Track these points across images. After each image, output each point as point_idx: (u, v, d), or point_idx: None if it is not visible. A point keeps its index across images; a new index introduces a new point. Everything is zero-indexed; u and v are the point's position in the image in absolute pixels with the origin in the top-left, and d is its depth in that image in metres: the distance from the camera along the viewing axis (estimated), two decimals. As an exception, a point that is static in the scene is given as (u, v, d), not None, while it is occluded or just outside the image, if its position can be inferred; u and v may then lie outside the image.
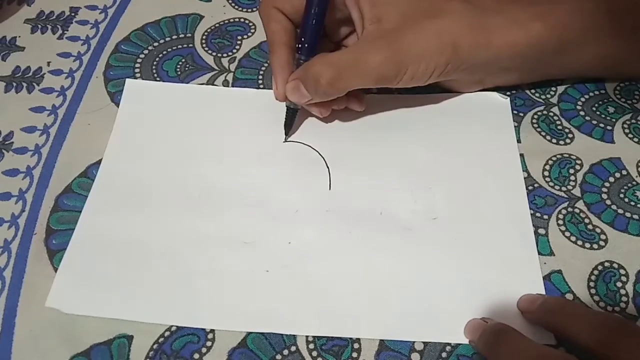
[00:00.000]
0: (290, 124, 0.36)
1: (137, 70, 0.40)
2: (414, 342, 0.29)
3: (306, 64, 0.33)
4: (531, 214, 0.33)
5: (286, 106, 0.35)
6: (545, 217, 0.33)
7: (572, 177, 0.34)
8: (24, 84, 0.39)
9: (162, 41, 0.42)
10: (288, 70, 0.33)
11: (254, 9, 0.44)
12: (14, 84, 0.39)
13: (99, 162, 0.35)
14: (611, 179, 0.34)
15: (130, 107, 0.38)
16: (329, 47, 0.36)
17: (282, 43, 0.34)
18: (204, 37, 0.42)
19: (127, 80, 0.39)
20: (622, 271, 0.31)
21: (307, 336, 0.29)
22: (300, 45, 0.33)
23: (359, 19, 0.33)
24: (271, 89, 0.38)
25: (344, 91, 0.32)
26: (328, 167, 0.35)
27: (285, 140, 0.36)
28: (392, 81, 0.32)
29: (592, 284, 0.31)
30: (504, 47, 0.33)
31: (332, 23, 0.35)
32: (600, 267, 0.31)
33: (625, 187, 0.34)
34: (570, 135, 0.36)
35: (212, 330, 0.30)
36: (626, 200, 0.33)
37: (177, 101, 0.38)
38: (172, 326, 0.30)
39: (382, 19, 0.32)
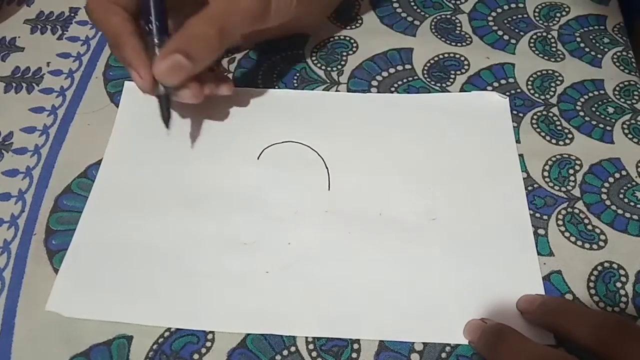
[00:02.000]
0: (169, 112, 0.33)
1: (136, 70, 0.40)
2: (413, 342, 0.29)
3: (181, 33, 0.31)
4: (531, 215, 0.33)
5: (157, 95, 0.33)
6: (545, 217, 0.33)
7: (572, 178, 0.34)
8: (24, 85, 0.39)
9: (161, 41, 0.42)
10: (146, 56, 0.31)
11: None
12: (14, 85, 0.39)
13: (98, 163, 0.35)
14: (611, 180, 0.34)
15: (129, 109, 0.38)
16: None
17: (129, 33, 0.32)
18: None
19: (126, 83, 0.39)
20: (621, 271, 0.31)
21: (306, 337, 0.29)
22: (150, 27, 0.31)
23: None
24: (271, 88, 0.39)
25: (231, 43, 0.32)
26: (327, 168, 0.35)
27: (168, 127, 0.34)
28: (264, 18, 0.33)
29: (591, 284, 0.31)
30: None
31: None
32: (599, 268, 0.31)
33: (624, 188, 0.34)
34: (569, 136, 0.36)
35: (212, 331, 0.30)
36: (626, 200, 0.33)
37: (177, 102, 0.38)
38: (171, 327, 0.30)
39: None
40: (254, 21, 0.32)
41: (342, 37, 0.41)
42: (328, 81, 0.39)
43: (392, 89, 0.39)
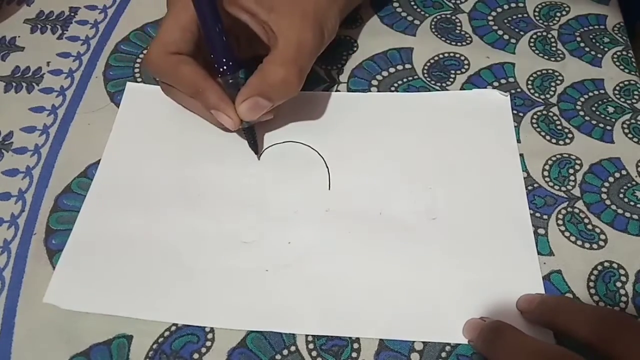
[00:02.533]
0: (255, 141, 0.35)
1: (136, 70, 0.40)
2: (413, 342, 0.29)
3: (259, 75, 0.32)
4: (531, 214, 0.33)
5: (243, 128, 0.34)
6: (545, 217, 0.33)
7: (572, 177, 0.34)
8: (24, 84, 0.39)
9: (161, 41, 0.42)
10: (227, 98, 0.33)
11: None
12: (14, 84, 0.39)
13: (98, 162, 0.35)
14: (611, 179, 0.34)
15: (130, 110, 0.38)
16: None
17: (205, 78, 0.33)
18: (204, 37, 0.42)
19: (128, 84, 0.39)
20: (621, 271, 0.31)
21: (306, 336, 0.29)
22: (224, 67, 0.32)
23: (251, 19, 0.33)
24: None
25: (302, 82, 0.33)
26: (327, 167, 0.35)
27: (259, 158, 0.35)
28: (322, 48, 0.35)
29: (591, 284, 0.31)
30: None
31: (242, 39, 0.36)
32: (599, 267, 0.31)
33: (624, 187, 0.34)
34: (569, 135, 0.36)
35: (212, 330, 0.30)
36: (626, 200, 0.33)
37: (177, 104, 0.38)
38: (171, 326, 0.30)
39: (273, 6, 0.33)
40: (317, 54, 0.34)
41: (342, 37, 0.41)
42: (328, 80, 0.39)
43: (392, 88, 0.39)
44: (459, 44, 0.41)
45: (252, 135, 0.35)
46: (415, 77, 0.39)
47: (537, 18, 0.42)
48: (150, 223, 0.33)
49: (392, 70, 0.40)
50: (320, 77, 0.39)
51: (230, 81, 0.33)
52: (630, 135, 0.36)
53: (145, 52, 0.36)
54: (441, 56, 0.40)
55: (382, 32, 0.42)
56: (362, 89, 0.39)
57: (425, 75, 0.39)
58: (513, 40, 0.41)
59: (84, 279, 0.31)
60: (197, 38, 0.33)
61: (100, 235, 0.32)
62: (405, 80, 0.39)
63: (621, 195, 0.34)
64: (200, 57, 0.33)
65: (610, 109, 0.37)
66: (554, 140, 0.36)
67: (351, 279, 0.31)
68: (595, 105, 0.37)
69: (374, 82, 0.39)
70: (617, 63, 0.39)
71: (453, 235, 0.32)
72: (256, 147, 0.35)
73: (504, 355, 0.26)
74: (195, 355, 0.29)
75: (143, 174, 0.35)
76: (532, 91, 0.38)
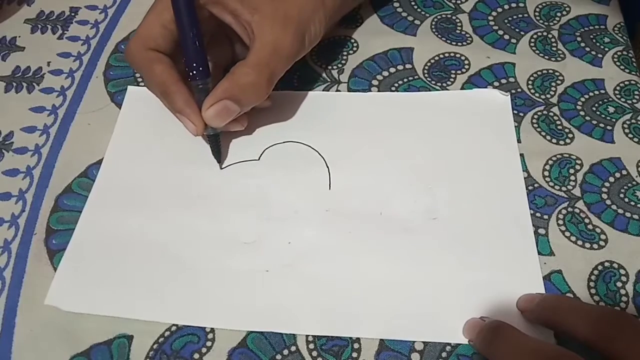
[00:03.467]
0: (219, 149, 0.34)
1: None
2: (414, 342, 0.29)
3: (229, 78, 0.32)
4: (531, 214, 0.33)
5: (207, 135, 0.34)
6: (545, 217, 0.33)
7: (572, 177, 0.34)
8: (24, 84, 0.39)
9: (162, 41, 0.42)
10: (194, 102, 0.32)
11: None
12: (14, 84, 0.40)
13: (99, 162, 0.35)
14: (611, 179, 0.34)
15: (131, 113, 0.38)
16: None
17: (175, 81, 0.32)
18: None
19: (129, 88, 0.39)
20: (622, 271, 0.31)
21: (307, 336, 0.29)
22: (193, 72, 0.32)
23: (234, 20, 0.33)
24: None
25: (273, 83, 0.33)
26: (328, 167, 0.35)
27: (222, 168, 0.35)
28: (300, 54, 0.34)
29: (592, 284, 0.31)
30: None
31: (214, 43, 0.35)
32: (600, 267, 0.31)
33: (625, 187, 0.34)
34: (570, 135, 0.36)
35: (212, 330, 0.30)
36: (626, 200, 0.33)
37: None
38: (172, 326, 0.30)
39: (257, 7, 0.32)
40: (294, 60, 0.34)
41: (342, 37, 0.41)
42: (329, 80, 0.39)
43: (393, 88, 0.39)
44: (459, 44, 0.41)
45: (216, 143, 0.34)
46: (416, 77, 0.39)
47: (538, 18, 0.42)
48: (150, 224, 0.33)
49: (392, 70, 0.40)
50: (321, 77, 0.39)
51: (200, 86, 0.32)
52: (630, 135, 0.36)
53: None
54: (441, 56, 0.40)
55: (382, 32, 0.42)
56: (362, 88, 0.39)
57: (426, 75, 0.39)
58: (513, 40, 0.41)
59: (85, 281, 0.31)
60: (176, 38, 0.33)
61: (102, 237, 0.32)
62: (405, 80, 0.39)
63: (621, 195, 0.34)
64: (178, 59, 0.33)
65: (611, 109, 0.37)
66: (554, 140, 0.36)
67: (351, 278, 0.31)
68: (596, 105, 0.37)
69: (374, 82, 0.39)
70: (618, 63, 0.39)
71: (453, 235, 0.32)
72: (219, 156, 0.35)
73: (504, 355, 0.26)
74: (196, 355, 0.29)
75: (144, 176, 0.35)
76: (532, 91, 0.38)
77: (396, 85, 0.39)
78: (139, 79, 0.40)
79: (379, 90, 0.38)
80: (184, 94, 0.32)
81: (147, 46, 0.33)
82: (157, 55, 0.33)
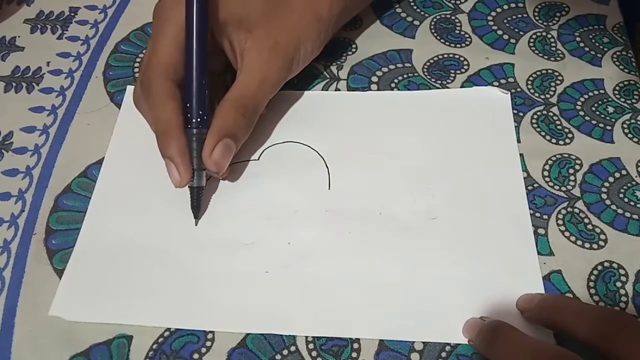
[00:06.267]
0: (199, 203, 0.33)
1: (136, 70, 0.40)
2: (413, 342, 0.29)
3: (222, 116, 0.31)
4: (531, 214, 0.33)
5: (190, 187, 0.32)
6: (545, 217, 0.33)
7: (572, 177, 0.34)
8: (24, 84, 0.39)
9: (161, 41, 0.42)
10: (187, 152, 0.31)
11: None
12: (14, 84, 0.39)
13: (98, 162, 0.35)
14: (611, 179, 0.34)
15: (130, 113, 0.38)
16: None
17: (179, 126, 0.31)
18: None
19: (128, 87, 0.39)
20: (621, 271, 0.31)
21: (306, 336, 0.29)
22: (197, 120, 0.31)
23: (229, 47, 0.34)
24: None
25: (259, 110, 0.33)
26: (327, 167, 0.35)
27: (197, 224, 0.33)
28: (289, 77, 0.35)
29: (591, 284, 0.31)
30: None
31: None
32: (599, 267, 0.31)
33: (624, 187, 0.34)
34: (569, 135, 0.36)
35: (212, 331, 0.30)
36: (626, 200, 0.33)
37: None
38: (172, 327, 0.30)
39: (251, 29, 0.33)
40: (279, 87, 0.34)
41: (341, 39, 0.41)
42: (328, 77, 0.39)
43: (392, 84, 0.39)
44: (458, 45, 0.41)
45: (198, 195, 0.32)
46: (415, 74, 0.39)
47: (537, 18, 0.42)
48: (150, 227, 0.33)
49: (391, 67, 0.40)
50: (320, 74, 0.39)
51: (197, 136, 0.31)
52: (630, 135, 0.36)
53: (141, 64, 0.33)
54: (441, 57, 0.40)
55: (381, 34, 0.42)
56: (362, 86, 0.39)
57: (425, 73, 0.39)
58: (513, 41, 0.41)
59: (90, 290, 0.31)
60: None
61: (104, 245, 0.32)
62: (405, 76, 0.39)
63: (621, 195, 0.34)
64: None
65: (610, 109, 0.37)
66: (554, 140, 0.36)
67: (351, 279, 0.31)
68: (595, 105, 0.37)
69: (374, 79, 0.39)
70: (617, 63, 0.39)
71: (453, 235, 0.32)
72: (198, 210, 0.33)
73: (504, 355, 0.26)
74: (195, 356, 0.29)
75: (143, 178, 0.35)
76: (532, 91, 0.38)
77: (396, 81, 0.39)
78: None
79: (378, 87, 0.38)
80: (181, 141, 0.31)
81: (168, 76, 0.31)
82: (173, 90, 0.31)
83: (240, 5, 0.33)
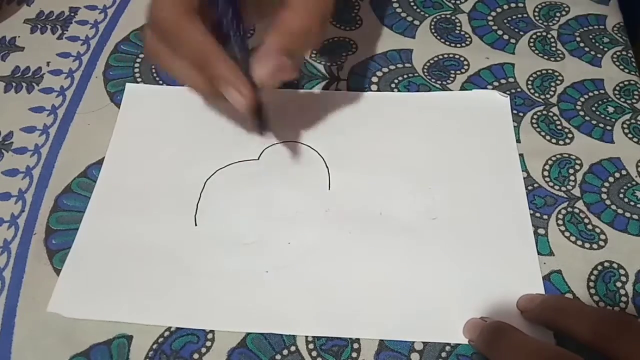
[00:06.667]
0: (266, 118, 0.31)
1: (136, 70, 0.40)
2: (413, 342, 0.29)
3: (279, 30, 0.28)
4: (531, 214, 0.33)
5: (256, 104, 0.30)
6: (545, 217, 0.33)
7: (572, 177, 0.34)
8: (24, 84, 0.39)
9: (161, 41, 0.42)
10: (238, 69, 0.28)
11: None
12: (14, 84, 0.39)
13: (98, 162, 0.35)
14: (611, 179, 0.34)
15: (130, 111, 0.38)
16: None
17: (216, 48, 0.28)
18: (204, 37, 0.42)
19: (127, 85, 0.39)
20: (621, 271, 0.31)
21: (306, 336, 0.29)
22: (236, 30, 0.28)
23: None
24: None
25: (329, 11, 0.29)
26: (328, 167, 0.35)
27: (265, 131, 0.32)
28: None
29: (591, 284, 0.31)
30: None
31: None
32: (599, 267, 0.31)
33: (624, 187, 0.34)
34: (569, 135, 0.36)
35: (212, 330, 0.30)
36: (626, 200, 0.33)
37: (177, 103, 0.38)
38: (171, 326, 0.30)
39: None
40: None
41: (341, 38, 0.41)
42: (328, 77, 0.39)
43: (393, 85, 0.39)
44: (458, 45, 0.41)
45: (260, 112, 0.31)
46: (416, 74, 0.39)
47: (537, 18, 0.42)
48: (150, 226, 0.33)
49: (392, 67, 0.40)
50: (321, 74, 0.39)
51: (241, 48, 0.28)
52: (630, 135, 0.36)
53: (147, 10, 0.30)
54: (441, 57, 0.40)
55: (381, 34, 0.42)
56: (362, 86, 0.39)
57: (426, 73, 0.39)
58: (513, 41, 0.41)
59: (87, 287, 0.31)
60: None
61: (103, 242, 0.32)
62: (405, 76, 0.39)
63: (621, 195, 0.34)
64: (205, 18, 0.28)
65: (610, 109, 0.37)
66: (554, 140, 0.36)
67: (351, 279, 0.31)
68: (595, 105, 0.37)
69: (374, 79, 0.39)
70: (617, 63, 0.39)
71: (453, 235, 0.32)
72: (265, 125, 0.31)
73: (505, 356, 0.26)
74: (195, 356, 0.29)
75: (144, 177, 0.35)
76: (532, 91, 0.38)
77: (396, 82, 0.39)
78: (139, 79, 0.40)
79: (378, 87, 0.38)
80: (228, 62, 0.28)
81: (183, 6, 0.28)
82: (193, 16, 0.28)
83: None
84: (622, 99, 0.38)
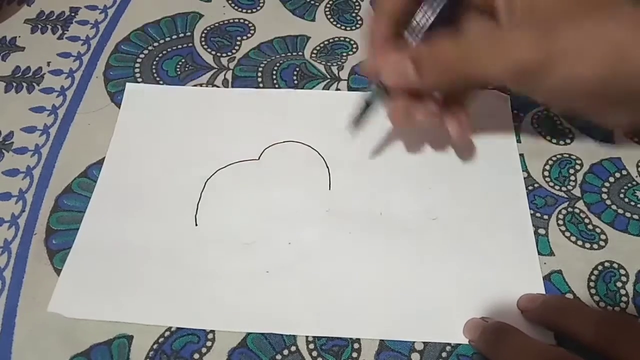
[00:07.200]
0: (362, 118, 0.31)
1: (137, 70, 0.40)
2: (414, 342, 0.29)
3: (430, 46, 0.27)
4: (531, 214, 0.33)
5: (363, 100, 0.31)
6: (545, 217, 0.33)
7: (572, 177, 0.34)
8: (24, 84, 0.39)
9: (161, 41, 0.42)
10: (388, 46, 0.28)
11: (254, 10, 0.44)
12: (14, 84, 0.39)
13: (99, 162, 0.35)
14: (611, 179, 0.34)
15: (130, 111, 0.38)
16: None
17: (391, 11, 0.28)
18: (204, 35, 0.42)
19: (128, 84, 0.39)
20: (622, 271, 0.31)
21: (307, 336, 0.29)
22: (415, 23, 0.27)
23: (504, 4, 0.27)
24: (271, 87, 0.39)
25: (468, 80, 0.27)
26: (328, 167, 0.35)
27: (351, 131, 0.32)
28: (536, 80, 0.25)
29: (592, 284, 0.31)
30: None
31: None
32: (600, 267, 0.31)
33: (625, 187, 0.34)
34: (570, 135, 0.36)
35: (212, 331, 0.30)
36: (626, 200, 0.33)
37: (177, 103, 0.38)
38: (172, 326, 0.30)
39: (534, 9, 0.26)
40: (517, 75, 0.25)
41: (341, 38, 0.41)
42: (329, 77, 0.39)
43: (393, 87, 0.39)
44: (459, 44, 0.41)
45: (364, 111, 0.31)
46: (416, 77, 0.39)
47: (538, 18, 0.42)
48: (151, 226, 0.33)
49: (392, 70, 0.39)
50: (321, 74, 0.39)
51: (412, 43, 0.28)
52: (630, 135, 0.36)
53: None
54: (441, 56, 0.40)
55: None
56: (362, 86, 0.39)
57: (426, 75, 0.39)
58: None
59: (88, 287, 0.31)
60: None
61: (103, 242, 0.32)
62: (405, 80, 0.39)
63: (621, 195, 0.34)
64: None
65: (611, 109, 0.37)
66: (554, 140, 0.36)
67: (351, 279, 0.31)
68: (596, 105, 0.37)
69: (375, 82, 0.39)
70: (618, 63, 0.39)
71: (453, 235, 0.32)
72: (357, 122, 0.31)
73: (506, 357, 0.26)
74: (196, 356, 0.29)
75: (144, 176, 0.35)
76: (532, 91, 0.38)
77: (396, 85, 0.39)
78: (139, 79, 0.40)
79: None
80: (386, 30, 0.28)
81: None
82: None
83: None
84: (623, 99, 0.38)
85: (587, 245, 0.32)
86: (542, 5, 0.26)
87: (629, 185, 0.34)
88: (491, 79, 0.27)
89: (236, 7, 0.44)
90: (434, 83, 0.28)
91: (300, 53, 0.41)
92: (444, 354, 0.29)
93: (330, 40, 0.41)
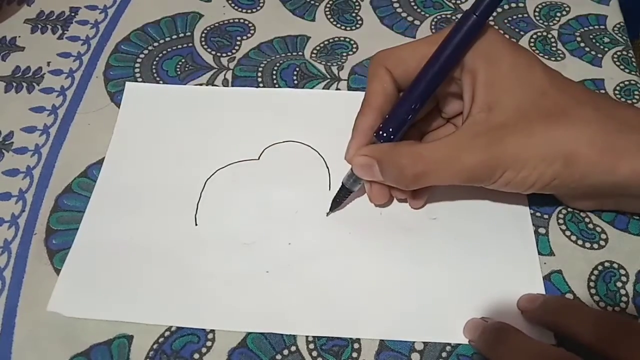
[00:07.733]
0: (340, 201, 0.32)
1: (137, 70, 0.40)
2: (414, 342, 0.29)
3: (392, 150, 0.29)
4: (531, 214, 0.33)
5: (342, 183, 0.32)
6: (546, 216, 0.33)
7: (572, 177, 0.34)
8: (24, 84, 0.39)
9: (162, 41, 0.42)
10: (367, 137, 0.31)
11: (254, 10, 0.44)
12: (14, 84, 0.39)
13: (99, 162, 0.35)
14: (611, 179, 0.34)
15: (130, 110, 0.38)
16: (414, 134, 0.33)
17: (374, 107, 0.30)
18: (204, 35, 0.42)
19: (127, 84, 0.39)
20: (622, 271, 0.31)
21: (307, 336, 0.29)
22: (381, 132, 0.30)
23: (469, 100, 0.29)
24: (271, 87, 0.39)
25: (421, 184, 0.29)
26: (328, 167, 0.35)
27: (328, 214, 0.33)
28: (483, 183, 0.29)
29: (592, 283, 0.31)
30: (633, 176, 0.27)
31: (442, 96, 0.32)
32: (600, 267, 0.31)
33: (625, 187, 0.34)
34: (570, 135, 0.36)
35: (212, 330, 0.30)
36: (626, 200, 0.33)
37: (177, 103, 0.38)
38: (172, 326, 0.30)
39: (493, 108, 0.28)
40: (468, 182, 0.29)
41: (342, 38, 0.41)
42: (329, 77, 0.39)
43: (393, 88, 0.38)
44: (459, 44, 0.41)
45: (343, 195, 0.32)
46: (416, 76, 0.39)
47: (537, 18, 0.42)
48: (151, 226, 0.33)
49: (392, 70, 0.39)
50: (321, 74, 0.39)
51: (382, 133, 0.30)
52: (630, 135, 0.36)
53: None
54: (441, 56, 0.40)
55: (381, 34, 0.42)
56: (362, 86, 0.39)
57: (426, 75, 0.39)
58: (513, 40, 0.41)
59: (88, 286, 0.31)
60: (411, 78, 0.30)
61: (103, 242, 0.32)
62: (405, 79, 0.39)
63: (621, 195, 0.34)
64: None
65: (611, 109, 0.37)
66: (554, 140, 0.36)
67: (351, 279, 0.31)
68: (596, 105, 0.37)
69: (374, 82, 0.39)
70: (617, 63, 0.39)
71: (453, 235, 0.32)
72: (335, 206, 0.33)
73: (507, 357, 0.26)
74: (196, 355, 0.29)
75: (144, 176, 0.35)
76: (532, 91, 0.38)
77: (396, 85, 0.39)
78: (139, 79, 0.40)
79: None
80: (367, 124, 0.30)
81: (384, 63, 0.31)
82: (384, 76, 0.31)
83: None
84: (623, 99, 0.38)
85: (587, 245, 0.32)
86: (499, 106, 0.28)
87: (629, 185, 0.34)
88: (443, 184, 0.29)
89: (236, 7, 0.44)
90: (395, 183, 0.30)
91: (300, 53, 0.41)
92: (444, 354, 0.29)
93: (330, 40, 0.41)
